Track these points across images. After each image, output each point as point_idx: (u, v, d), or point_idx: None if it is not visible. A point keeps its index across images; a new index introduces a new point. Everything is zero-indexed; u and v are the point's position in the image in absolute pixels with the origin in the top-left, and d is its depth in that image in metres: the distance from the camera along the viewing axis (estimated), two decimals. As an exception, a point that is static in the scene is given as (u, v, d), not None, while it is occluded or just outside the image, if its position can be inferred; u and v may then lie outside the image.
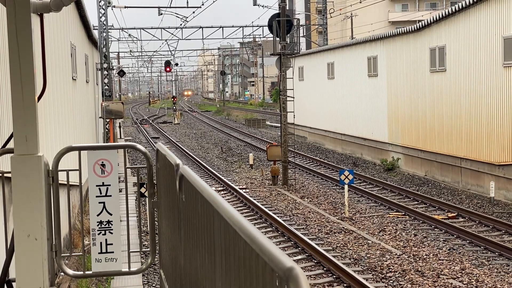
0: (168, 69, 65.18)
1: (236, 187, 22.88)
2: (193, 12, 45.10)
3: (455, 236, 16.20)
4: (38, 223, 5.47)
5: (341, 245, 15.30)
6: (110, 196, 5.87)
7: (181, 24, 49.33)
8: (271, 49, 27.77)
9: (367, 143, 32.09)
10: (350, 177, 19.08)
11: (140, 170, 7.00)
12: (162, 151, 5.60)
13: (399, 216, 18.73)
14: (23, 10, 5.46)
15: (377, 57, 30.48)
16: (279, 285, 1.99)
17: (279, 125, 26.73)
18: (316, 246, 14.50)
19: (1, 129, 7.09)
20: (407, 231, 16.74)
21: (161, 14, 45.28)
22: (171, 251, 5.32)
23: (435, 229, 17.00)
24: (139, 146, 6.15)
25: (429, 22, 25.30)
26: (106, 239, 5.90)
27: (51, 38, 11.50)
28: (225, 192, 22.85)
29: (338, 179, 20.20)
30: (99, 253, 5.91)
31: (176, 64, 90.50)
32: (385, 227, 17.16)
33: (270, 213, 18.32)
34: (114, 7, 39.98)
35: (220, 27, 52.59)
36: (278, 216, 18.14)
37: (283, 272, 1.91)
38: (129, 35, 55.46)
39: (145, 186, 6.77)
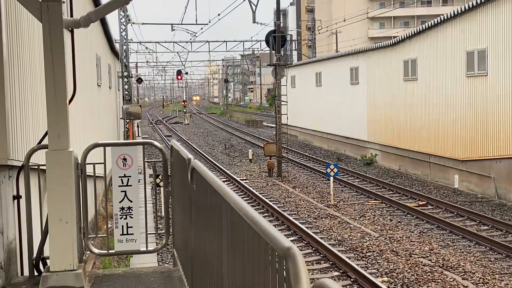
0: (179, 77, 65.02)
1: (238, 178, 22.85)
2: (201, 28, 45.09)
3: (424, 221, 16.19)
4: (68, 209, 5.46)
5: (327, 229, 15.28)
6: (131, 185, 5.87)
7: (190, 39, 49.28)
8: (267, 60, 27.74)
9: (349, 141, 32.07)
10: (335, 170, 19.08)
11: (156, 163, 6.97)
12: (176, 147, 5.59)
13: (377, 203, 18.72)
14: (56, 26, 5.45)
15: (358, 67, 30.45)
16: (278, 262, 1.98)
17: (274, 125, 26.71)
18: (306, 229, 14.49)
19: (37, 128, 7.07)
20: (384, 217, 16.73)
21: (174, 30, 45.20)
22: (183, 233, 5.32)
23: (408, 215, 16.99)
24: (156, 143, 6.15)
25: (403, 38, 25.28)
26: (127, 223, 5.90)
27: (80, 50, 11.47)
28: (228, 182, 22.82)
29: (325, 172, 20.19)
30: (120, 234, 5.91)
31: (186, 73, 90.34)
32: (365, 213, 17.15)
33: (267, 200, 18.30)
34: (133, 23, 39.90)
35: (224, 41, 52.53)
36: (273, 203, 18.13)
37: (282, 251, 1.90)
38: (146, 47, 55.38)
39: (160, 177, 6.76)
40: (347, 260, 11.78)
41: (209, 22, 42.44)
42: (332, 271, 11.73)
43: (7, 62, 5.70)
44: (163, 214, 7.01)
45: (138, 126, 40.11)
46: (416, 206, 17.86)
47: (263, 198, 18.68)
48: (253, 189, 20.72)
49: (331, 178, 19.14)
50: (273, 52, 25.25)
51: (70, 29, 6.66)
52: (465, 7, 20.28)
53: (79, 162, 5.69)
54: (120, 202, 5.87)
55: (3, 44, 5.56)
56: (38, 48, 7.07)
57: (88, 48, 14.67)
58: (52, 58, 5.44)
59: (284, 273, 1.87)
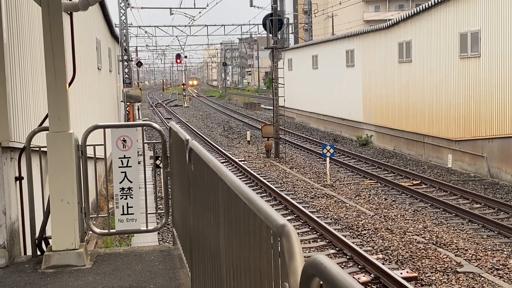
0: (178, 60, 64.70)
1: (236, 160, 22.86)
2: (200, 12, 44.83)
3: (418, 200, 16.23)
4: (70, 190, 5.46)
5: (324, 208, 15.32)
6: (131, 166, 5.86)
7: (189, 23, 49.01)
8: (265, 43, 27.62)
9: (345, 123, 32.06)
10: (331, 151, 19.08)
11: (155, 145, 6.96)
12: (174, 129, 5.56)
13: (372, 183, 18.76)
14: (55, 9, 5.40)
15: (354, 50, 30.34)
16: (273, 239, 1.98)
17: (272, 107, 26.65)
18: (303, 208, 14.52)
19: (38, 110, 7.05)
20: (379, 196, 16.77)
21: (172, 14, 44.91)
22: (182, 213, 5.32)
23: (402, 194, 17.03)
24: (154, 124, 6.13)
25: (397, 20, 25.16)
26: (127, 203, 5.90)
27: (79, 33, 11.40)
28: (226, 164, 22.83)
29: (321, 152, 20.19)
30: (121, 214, 5.91)
31: (185, 57, 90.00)
32: (361, 193, 17.19)
33: (264, 181, 18.32)
34: (133, 8, 39.66)
35: (222, 25, 52.28)
36: (271, 183, 18.15)
37: (277, 228, 1.89)
38: (145, 32, 55.12)
39: (160, 158, 6.75)
40: (343, 238, 11.82)
41: (207, 6, 42.17)
42: (329, 249, 11.77)
43: (7, 46, 5.66)
44: (162, 194, 7.01)
45: (138, 109, 39.99)
46: (410, 185, 17.89)
47: (261, 178, 18.70)
48: (251, 170, 20.74)
49: (327, 159, 19.15)
50: (270, 35, 25.13)
51: (69, 12, 6.60)
52: (458, -10, 20.15)
53: (80, 143, 5.67)
54: (120, 182, 5.86)
55: (3, 28, 5.51)
56: (38, 31, 7.02)
57: (88, 32, 14.58)
58: (51, 41, 5.40)
59: (279, 249, 1.86)
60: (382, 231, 12.79)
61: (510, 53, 17.91)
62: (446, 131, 21.62)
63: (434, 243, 11.94)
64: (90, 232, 6.09)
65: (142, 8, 42.44)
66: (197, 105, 66.18)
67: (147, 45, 77.81)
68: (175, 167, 5.71)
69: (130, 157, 5.84)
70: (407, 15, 24.19)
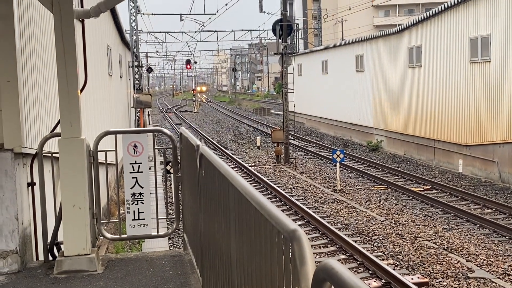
0: (188, 66, 64.81)
1: (246, 165, 22.84)
2: (209, 18, 44.93)
3: (429, 205, 16.17)
4: (81, 195, 5.49)
5: (334, 213, 15.29)
6: (142, 172, 5.88)
7: (199, 28, 49.15)
8: (274, 49, 27.62)
9: (355, 128, 31.99)
10: (341, 156, 19.05)
11: (166, 150, 6.98)
12: (184, 134, 5.59)
13: (382, 188, 18.70)
14: (67, 16, 5.45)
15: (363, 55, 30.31)
16: (284, 244, 1.99)
17: (282, 113, 26.66)
18: (313, 214, 14.50)
19: (51, 117, 7.10)
20: (389, 201, 16.71)
21: (182, 20, 45.08)
22: (192, 218, 5.33)
23: (413, 199, 16.97)
24: (165, 130, 6.16)
25: (407, 25, 25.12)
26: (138, 208, 5.93)
27: (91, 40, 11.47)
28: (236, 169, 22.81)
29: (331, 158, 20.16)
30: (132, 220, 5.93)
31: (195, 62, 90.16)
32: (371, 198, 17.14)
33: (274, 186, 18.30)
34: (143, 14, 39.85)
35: (232, 31, 52.38)
36: (281, 189, 18.13)
37: (287, 233, 1.91)
38: (156, 38, 55.33)
39: (170, 164, 6.77)
40: (354, 243, 11.78)
41: (217, 12, 42.26)
42: (339, 254, 11.74)
43: (20, 53, 5.71)
44: (173, 200, 7.03)
45: (149, 115, 40.11)
46: (421, 191, 17.82)
47: (271, 184, 18.68)
48: (261, 175, 20.73)
49: (338, 164, 19.12)
50: (280, 41, 25.15)
51: (80, 19, 6.65)
52: (468, -6, 20.09)
53: (91, 149, 5.71)
54: (131, 188, 5.89)
55: (16, 36, 5.57)
56: (49, 38, 7.08)
57: (99, 38, 14.66)
58: (63, 48, 5.44)
59: (290, 254, 1.87)
60: (393, 236, 12.75)
61: (520, 57, 17.84)
62: (456, 136, 21.53)
63: (445, 248, 11.88)
64: (102, 237, 6.11)
65: (152, 14, 42.65)
66: (207, 110, 66.27)
67: (157, 51, 78.13)
68: (186, 172, 5.73)
69: (141, 163, 5.87)
70: (417, 20, 24.14)
